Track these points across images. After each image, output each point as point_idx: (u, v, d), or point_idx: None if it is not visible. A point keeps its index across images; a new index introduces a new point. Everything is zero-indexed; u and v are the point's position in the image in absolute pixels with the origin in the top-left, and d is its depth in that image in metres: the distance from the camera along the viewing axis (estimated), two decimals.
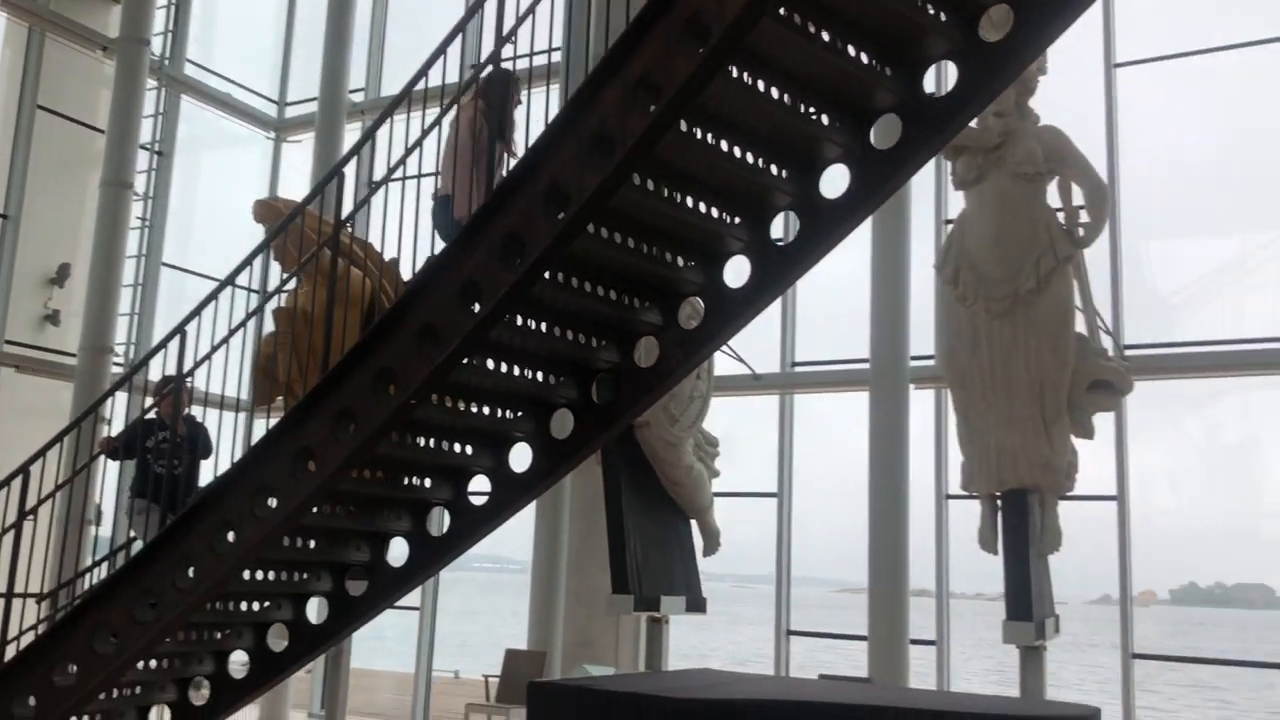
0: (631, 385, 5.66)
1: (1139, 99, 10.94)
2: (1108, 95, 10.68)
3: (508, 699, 10.57)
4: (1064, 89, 9.02)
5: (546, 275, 5.12)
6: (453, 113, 6.03)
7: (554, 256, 4.94)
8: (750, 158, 5.03)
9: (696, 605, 9.15)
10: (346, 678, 8.45)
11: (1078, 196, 8.09)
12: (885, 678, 9.91)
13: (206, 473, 7.64)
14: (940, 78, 5.86)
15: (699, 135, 4.81)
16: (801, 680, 8.66)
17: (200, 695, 6.96)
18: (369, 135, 6.09)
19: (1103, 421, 8.40)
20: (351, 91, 14.54)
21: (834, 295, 11.83)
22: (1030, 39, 4.59)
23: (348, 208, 6.44)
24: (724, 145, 4.93)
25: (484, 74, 5.90)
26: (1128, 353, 9.90)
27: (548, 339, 5.57)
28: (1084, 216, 8.04)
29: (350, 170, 6.52)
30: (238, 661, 6.95)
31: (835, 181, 5.13)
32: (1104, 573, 10.88)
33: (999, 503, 8.09)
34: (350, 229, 6.74)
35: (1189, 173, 12.65)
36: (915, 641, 10.33)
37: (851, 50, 4.75)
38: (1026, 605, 7.64)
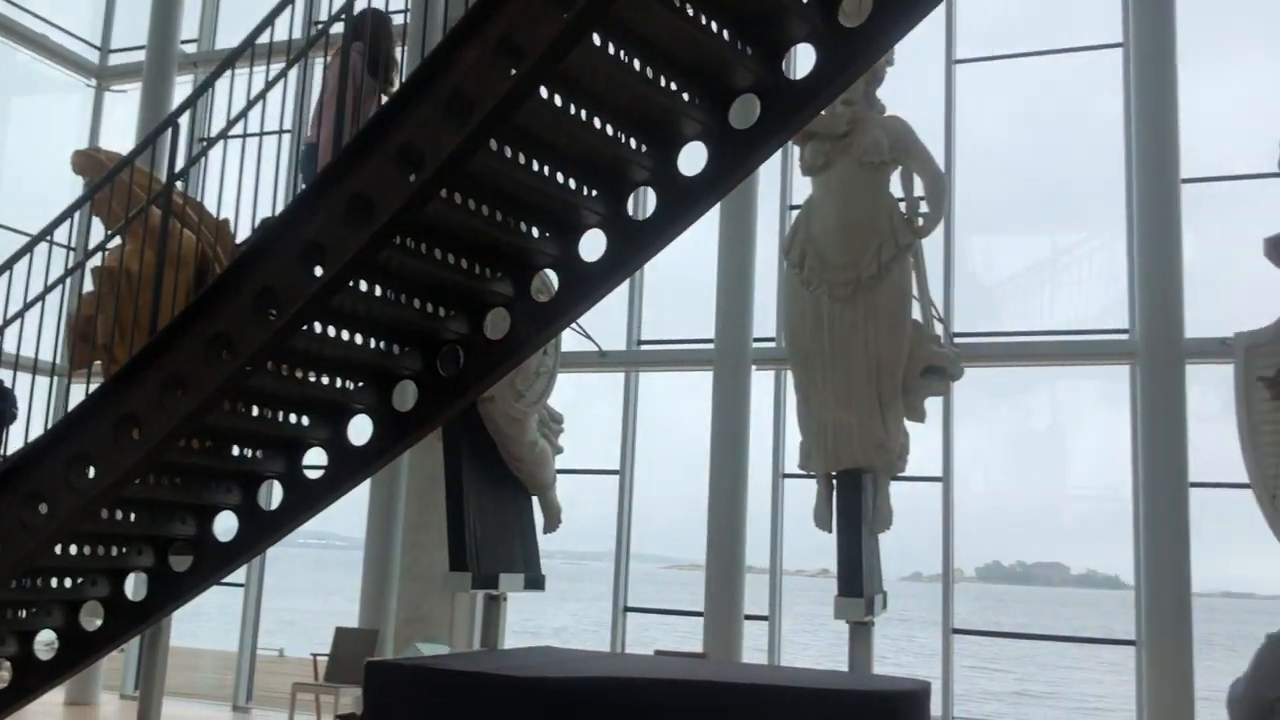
0: (479, 358, 5.53)
1: (971, 96, 11.36)
2: (947, 91, 11.05)
3: (337, 678, 10.29)
4: (907, 81, 9.29)
5: (396, 240, 4.94)
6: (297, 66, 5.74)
7: (405, 220, 4.76)
8: (610, 129, 4.96)
9: (535, 583, 9.09)
10: (165, 656, 8.00)
11: (918, 187, 8.35)
12: (719, 653, 10.08)
13: (14, 440, 7.13)
14: (792, 63, 5.91)
15: (559, 103, 4.71)
16: (641, 656, 8.71)
17: None
18: (207, 85, 5.73)
19: (931, 405, 8.73)
20: (184, 42, 13.78)
21: (681, 275, 11.92)
22: (889, 26, 4.66)
23: (180, 163, 6.08)
24: (584, 115, 4.84)
25: (356, 15, 5.64)
26: (955, 340, 10.31)
27: (394, 307, 5.38)
28: (924, 207, 8.31)
29: (183, 124, 6.15)
30: (44, 641, 6.50)
31: (693, 159, 5.12)
32: (917, 550, 11.34)
33: (834, 482, 8.32)
34: (184, 187, 6.36)
35: (1011, 171, 13.28)
36: (748, 617, 10.55)
37: (714, 26, 4.74)
38: (858, 582, 7.88)
